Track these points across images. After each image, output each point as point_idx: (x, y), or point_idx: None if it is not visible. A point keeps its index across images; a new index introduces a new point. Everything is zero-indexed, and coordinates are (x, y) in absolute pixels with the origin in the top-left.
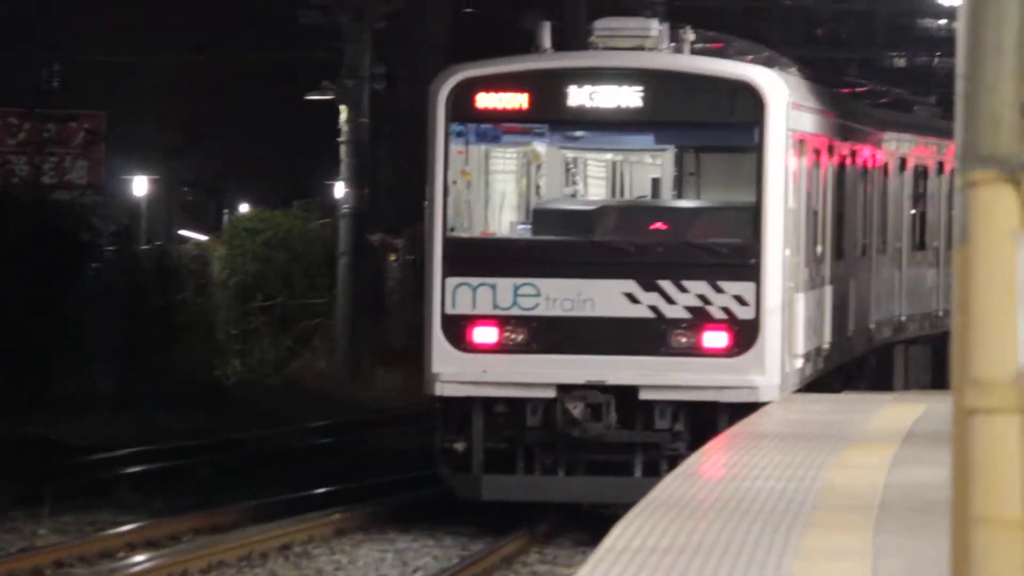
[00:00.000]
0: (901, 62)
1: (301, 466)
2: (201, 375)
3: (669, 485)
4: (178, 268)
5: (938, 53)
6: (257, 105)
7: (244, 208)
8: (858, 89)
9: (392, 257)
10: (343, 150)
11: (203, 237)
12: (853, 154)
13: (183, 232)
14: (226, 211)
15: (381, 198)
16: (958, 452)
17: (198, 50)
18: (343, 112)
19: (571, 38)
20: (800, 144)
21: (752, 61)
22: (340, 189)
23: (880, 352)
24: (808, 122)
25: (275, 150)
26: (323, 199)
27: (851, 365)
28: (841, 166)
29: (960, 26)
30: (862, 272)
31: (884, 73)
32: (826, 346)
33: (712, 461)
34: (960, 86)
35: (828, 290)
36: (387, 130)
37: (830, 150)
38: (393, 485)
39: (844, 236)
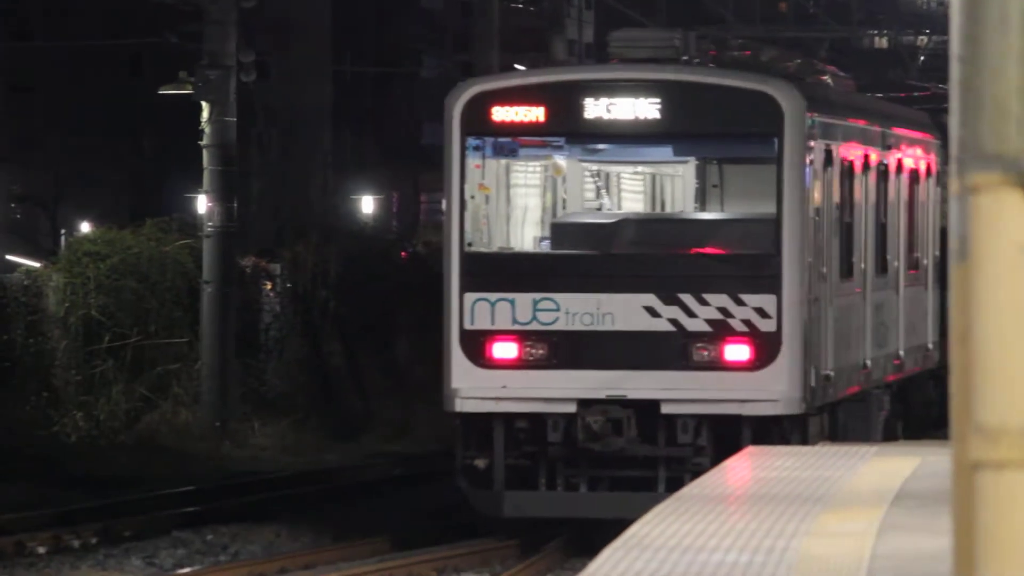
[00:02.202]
0: (882, 42)
1: (158, 543)
2: (35, 432)
3: (609, 559)
4: (5, 301)
5: (927, 31)
6: (99, 103)
7: (85, 228)
8: (919, 93)
9: (268, 285)
10: (206, 155)
11: (35, 263)
12: (902, 164)
13: (11, 257)
14: (63, 231)
15: (253, 213)
16: (960, 516)
17: (24, 36)
18: (205, 109)
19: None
20: (827, 154)
21: (783, 69)
22: (202, 203)
23: None
24: (838, 132)
25: (122, 157)
26: (182, 215)
27: (907, 384)
28: (884, 176)
29: None
30: (917, 286)
31: (861, 55)
32: (866, 361)
33: (662, 528)
34: (956, 70)
35: (868, 304)
36: (258, 130)
37: (868, 160)
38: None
39: (890, 248)
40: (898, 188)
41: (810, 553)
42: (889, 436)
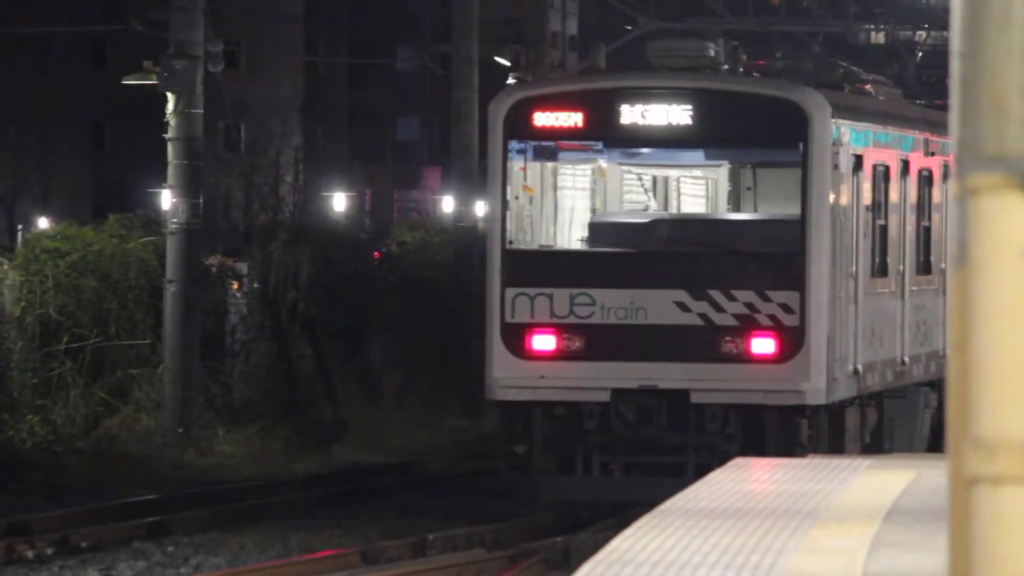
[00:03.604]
0: (879, 37)
1: (117, 554)
2: None
3: (588, 575)
4: None
5: (925, 25)
6: (60, 93)
7: (44, 223)
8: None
9: (235, 285)
10: (171, 149)
11: None
12: (949, 169)
13: None
14: (20, 227)
15: (220, 210)
16: (956, 533)
17: None
18: (170, 101)
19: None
20: (857, 159)
21: (824, 78)
22: (167, 199)
23: None
24: (868, 138)
25: (84, 150)
26: (146, 211)
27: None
28: (928, 181)
29: None
30: None
31: (856, 50)
32: (903, 358)
33: (644, 543)
34: (956, 67)
35: (906, 302)
36: (226, 123)
37: (908, 165)
38: None
39: (935, 250)
40: (944, 193)
41: (799, 570)
42: (941, 432)
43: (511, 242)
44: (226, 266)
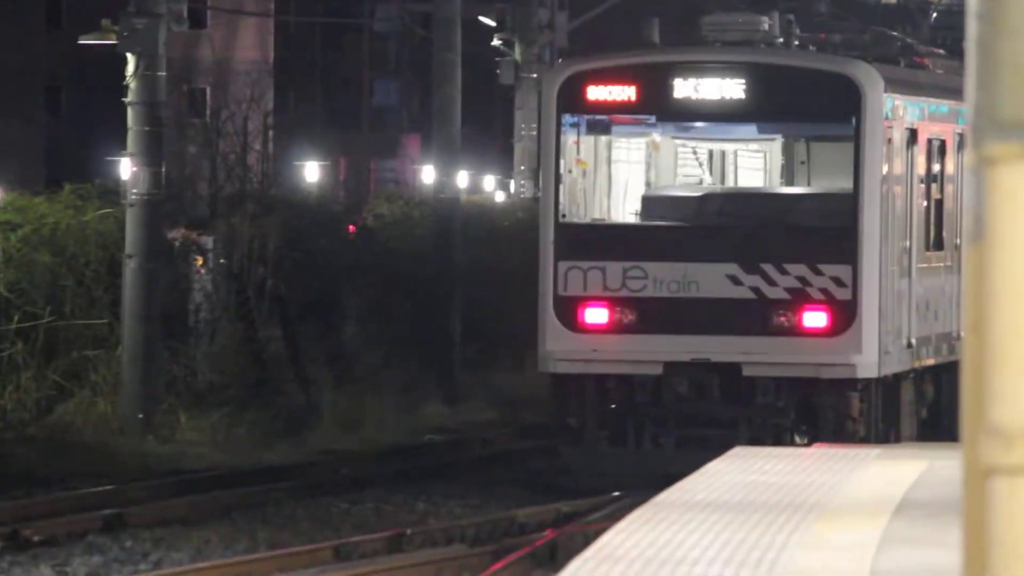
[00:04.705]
0: None
1: (71, 549)
2: None
3: (577, 572)
4: None
5: None
6: (11, 54)
7: None
8: None
9: (199, 261)
10: (131, 114)
11: None
12: None
13: None
14: None
15: (185, 179)
16: (971, 526)
17: None
18: (130, 62)
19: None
20: (911, 133)
21: (881, 52)
22: (127, 167)
23: None
24: (923, 113)
25: (38, 115)
26: (104, 181)
27: None
28: None
29: None
30: None
31: (867, 11)
32: (960, 332)
33: (638, 538)
34: (972, 29)
35: (962, 277)
36: (191, 87)
37: (962, 139)
38: None
39: None
40: None
41: (803, 567)
42: None
43: (564, 215)
44: (190, 240)
